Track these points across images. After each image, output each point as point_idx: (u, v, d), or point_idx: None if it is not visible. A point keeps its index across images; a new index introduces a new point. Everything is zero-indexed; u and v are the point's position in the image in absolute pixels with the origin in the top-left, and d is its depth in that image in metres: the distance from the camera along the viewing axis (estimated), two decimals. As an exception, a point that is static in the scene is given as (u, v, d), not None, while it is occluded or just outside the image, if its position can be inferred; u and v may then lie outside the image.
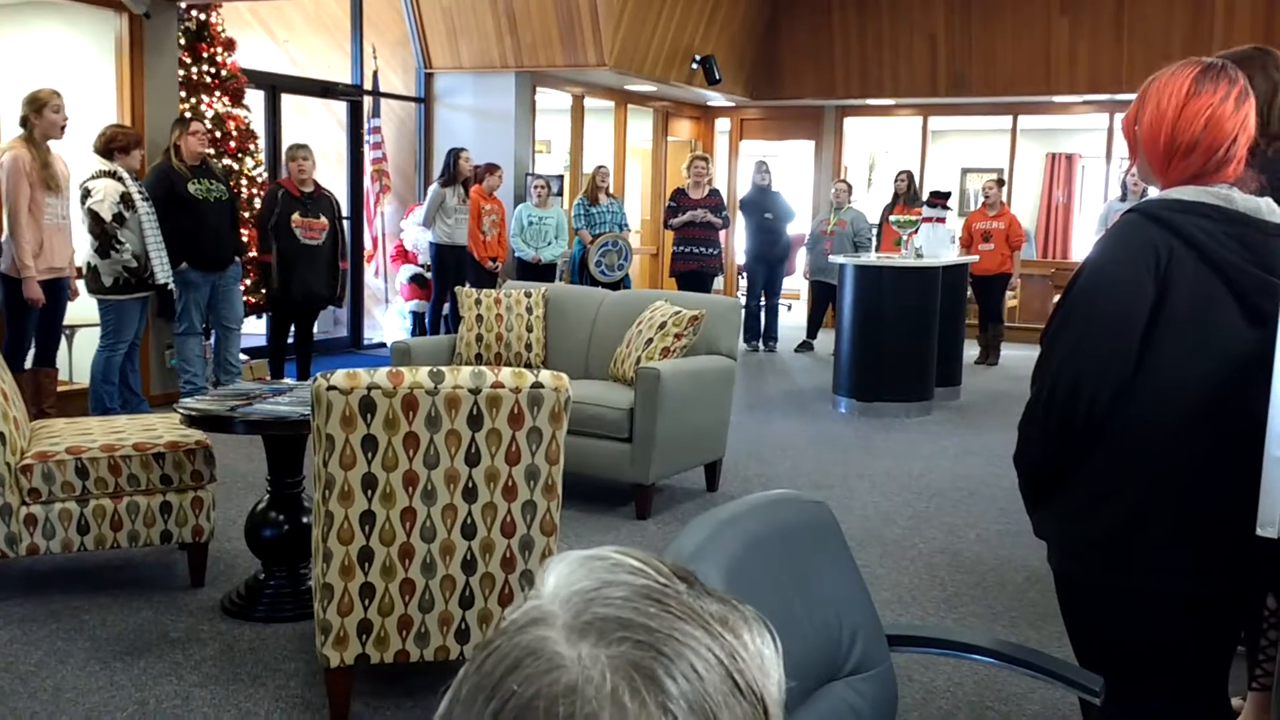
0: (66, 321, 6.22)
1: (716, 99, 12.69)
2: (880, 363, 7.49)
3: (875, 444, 6.70)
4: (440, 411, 2.82)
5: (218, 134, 7.45)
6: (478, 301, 5.74)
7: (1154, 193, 1.94)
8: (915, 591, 4.16)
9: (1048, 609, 3.71)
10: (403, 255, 9.80)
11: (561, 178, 10.99)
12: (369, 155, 9.80)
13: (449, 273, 8.79)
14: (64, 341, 6.39)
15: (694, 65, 11.13)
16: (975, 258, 9.26)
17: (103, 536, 3.82)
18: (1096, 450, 1.88)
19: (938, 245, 8.20)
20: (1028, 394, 1.96)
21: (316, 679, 3.21)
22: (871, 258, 8.29)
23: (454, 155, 8.87)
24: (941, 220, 8.45)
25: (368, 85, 9.86)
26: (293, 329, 7.41)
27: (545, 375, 2.93)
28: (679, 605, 0.60)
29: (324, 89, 9.62)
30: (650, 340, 5.15)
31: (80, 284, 6.13)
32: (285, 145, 8.09)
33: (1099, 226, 9.31)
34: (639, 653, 0.57)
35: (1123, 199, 9.18)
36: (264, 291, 7.27)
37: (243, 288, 7.16)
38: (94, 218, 5.98)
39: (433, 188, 8.92)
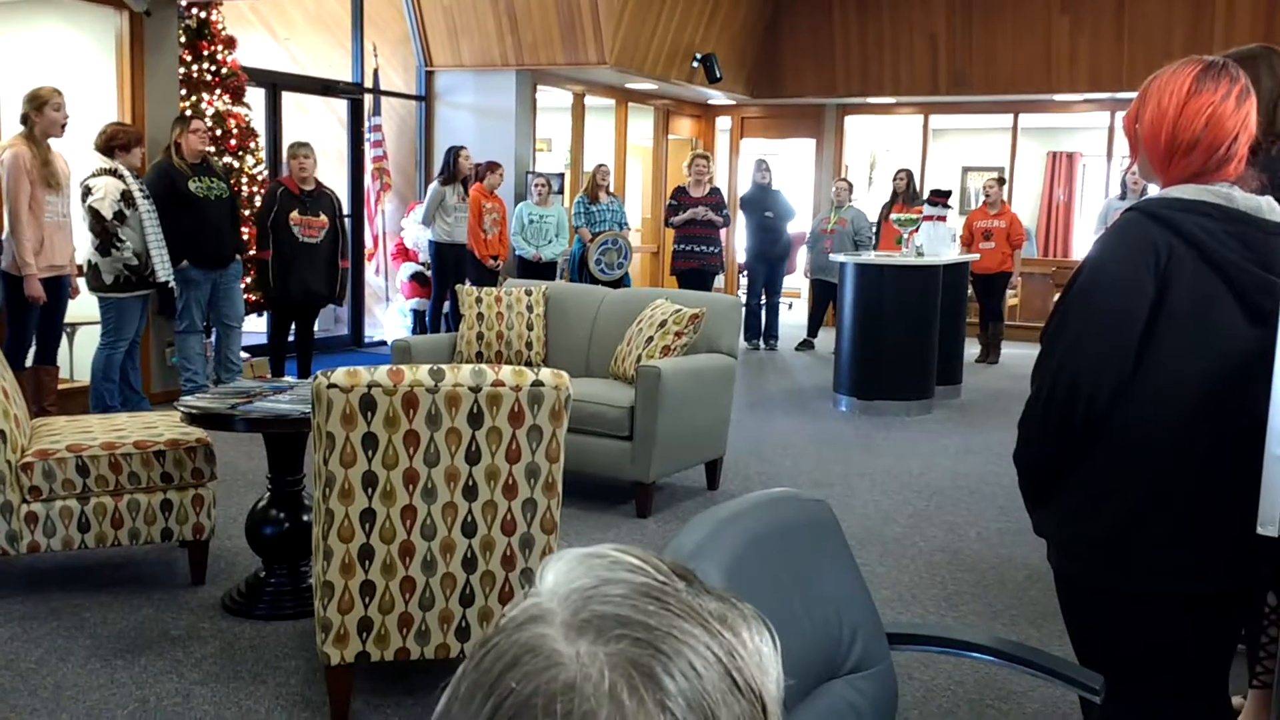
0: (67, 319, 6.22)
1: (717, 97, 12.68)
2: (881, 361, 7.50)
3: (876, 442, 6.70)
4: (440, 409, 2.82)
5: (218, 132, 7.45)
6: (478, 300, 5.74)
7: (1154, 191, 1.94)
8: (915, 590, 4.16)
9: (1048, 607, 3.72)
10: (403, 253, 9.80)
11: (562, 176, 10.98)
12: (369, 153, 9.80)
13: (449, 271, 8.78)
14: (65, 339, 6.39)
15: (695, 63, 11.13)
16: (976, 256, 9.26)
17: (103, 534, 3.82)
18: (1096, 450, 1.87)
19: (938, 244, 8.20)
20: (1028, 392, 1.95)
21: (317, 677, 3.22)
22: (872, 256, 8.29)
23: (453, 153, 8.87)
24: (942, 219, 8.45)
25: (368, 83, 9.85)
26: (293, 327, 7.41)
27: (545, 373, 2.93)
28: (678, 603, 0.60)
29: (325, 87, 9.62)
30: (651, 338, 5.15)
31: (81, 282, 6.14)
32: (286, 143, 8.09)
33: (1098, 224, 9.31)
34: (637, 650, 0.57)
35: (1122, 197, 9.17)
36: (263, 289, 7.27)
37: (243, 286, 7.16)
38: (95, 216, 5.98)
39: (432, 186, 8.92)
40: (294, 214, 6.98)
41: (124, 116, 6.89)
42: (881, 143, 15.00)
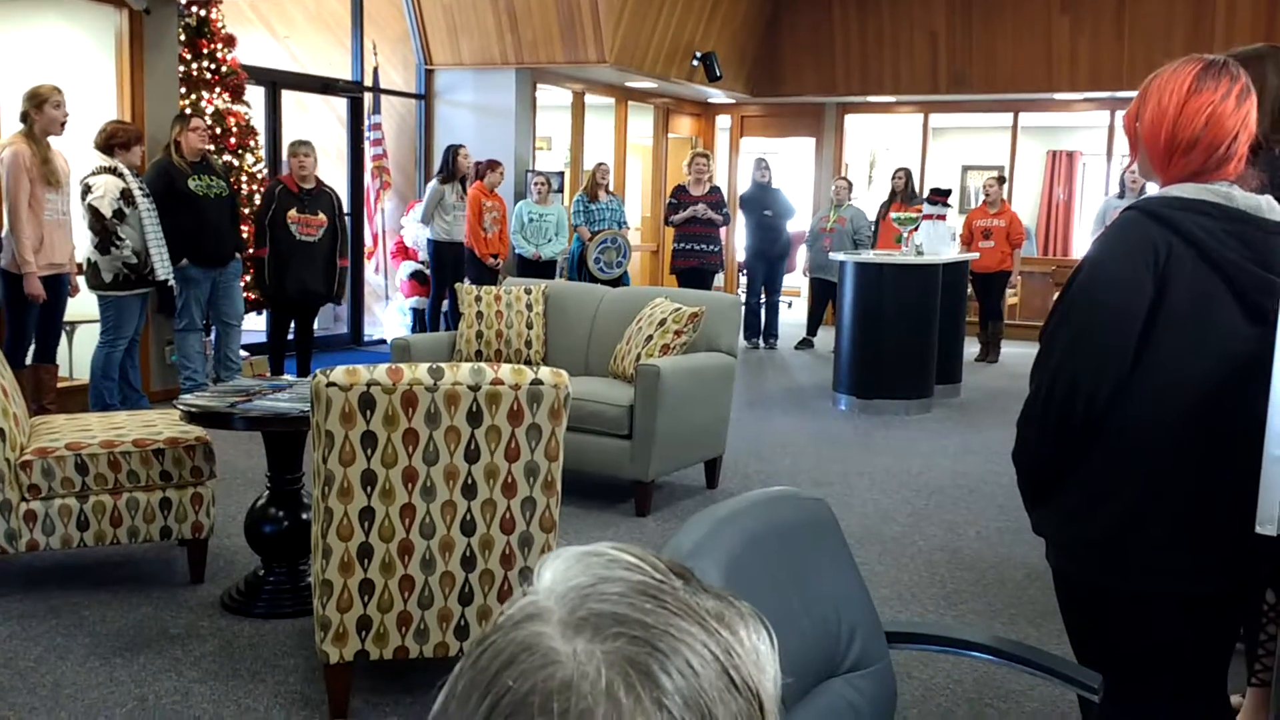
0: (67, 318, 6.21)
1: (717, 96, 12.68)
2: (880, 360, 7.49)
3: (875, 441, 6.70)
4: (440, 408, 2.82)
5: (218, 130, 7.44)
6: (478, 298, 5.74)
7: (1153, 189, 1.94)
8: (914, 589, 4.16)
9: (1047, 606, 3.72)
10: (403, 252, 9.80)
11: (562, 174, 10.99)
12: (369, 152, 9.80)
13: (447, 270, 8.78)
14: (64, 337, 6.39)
15: (695, 62, 11.13)
16: (975, 255, 9.27)
17: (102, 532, 3.82)
18: (1094, 450, 1.87)
19: (938, 242, 8.21)
20: (1027, 391, 1.95)
21: (316, 675, 3.22)
22: (871, 255, 8.29)
23: (452, 152, 8.87)
24: (942, 218, 8.45)
25: (368, 81, 9.85)
26: (293, 326, 7.41)
27: (545, 372, 2.93)
28: (675, 601, 0.60)
29: (324, 85, 9.62)
30: (650, 337, 5.15)
31: (81, 280, 6.13)
32: (286, 141, 8.09)
33: (1095, 223, 9.31)
34: (634, 648, 0.57)
35: (1120, 196, 9.17)
36: (260, 287, 7.27)
37: (242, 284, 7.15)
38: (94, 214, 5.98)
39: (431, 184, 8.92)
40: (292, 212, 6.97)
41: (124, 114, 6.88)
42: (881, 141, 15.00)
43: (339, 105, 9.97)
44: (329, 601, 2.89)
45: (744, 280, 11.68)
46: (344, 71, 9.86)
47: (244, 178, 7.65)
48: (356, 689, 3.09)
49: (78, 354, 6.75)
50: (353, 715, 3.03)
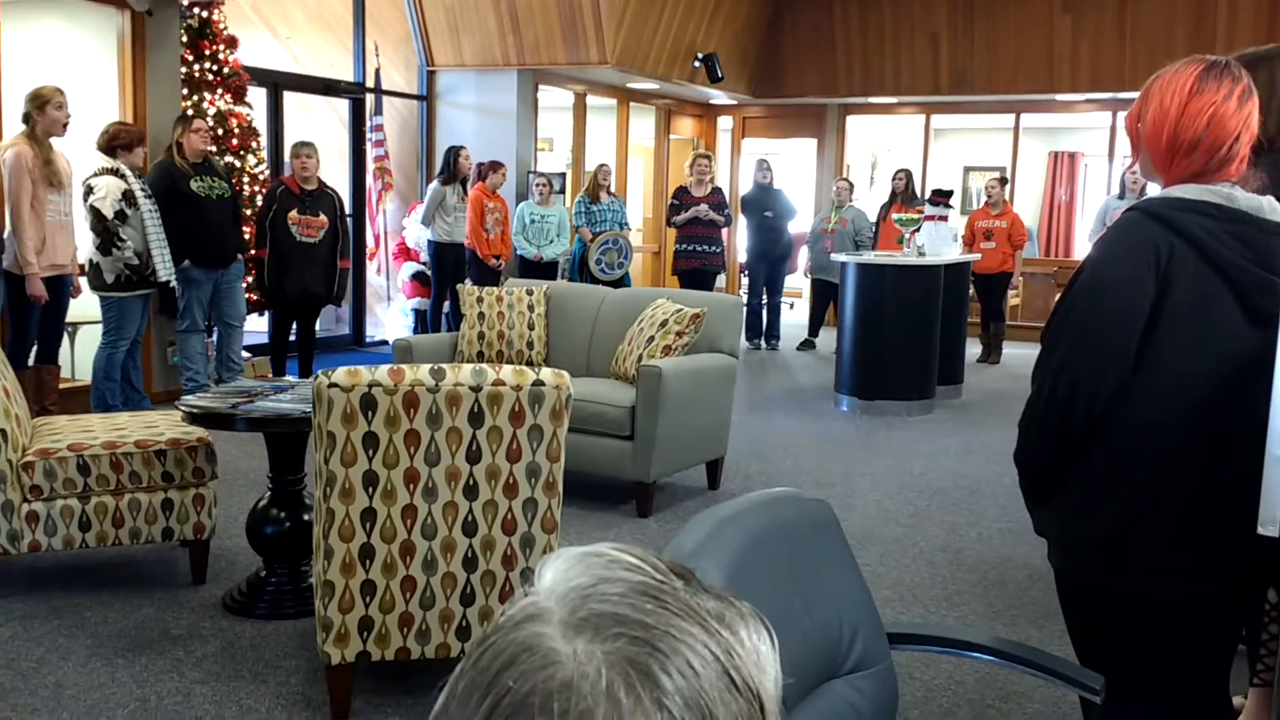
0: (69, 319, 6.22)
1: (719, 97, 12.68)
2: (882, 361, 7.49)
3: (877, 442, 6.70)
4: (441, 409, 2.82)
5: (220, 131, 7.45)
6: (479, 299, 5.74)
7: (1154, 190, 1.93)
8: (916, 589, 4.16)
9: (1049, 607, 3.71)
10: (405, 253, 9.80)
11: (564, 176, 10.98)
12: (371, 153, 9.81)
13: (448, 271, 8.79)
14: (66, 339, 6.39)
15: (696, 63, 11.13)
16: (977, 256, 9.26)
17: (104, 533, 3.83)
18: (1095, 451, 1.87)
19: (940, 243, 8.20)
20: (1029, 392, 1.95)
21: (317, 676, 3.22)
22: (873, 256, 8.29)
23: (453, 153, 8.87)
24: (944, 218, 8.45)
25: (370, 83, 9.86)
26: (294, 327, 7.41)
27: (546, 373, 2.93)
28: (675, 602, 0.60)
29: (326, 86, 9.62)
30: (652, 338, 5.15)
31: (83, 281, 6.14)
32: (288, 143, 8.09)
33: (1095, 224, 9.30)
34: (635, 649, 0.57)
35: (1120, 196, 9.17)
36: (259, 288, 7.27)
37: (244, 285, 7.16)
38: (96, 215, 5.99)
39: (432, 185, 8.92)
40: (292, 213, 6.98)
41: (126, 116, 6.89)
42: (883, 142, 14.99)
43: (341, 106, 9.98)
44: (330, 602, 2.89)
45: (745, 281, 11.68)
46: (346, 73, 9.86)
47: (246, 179, 7.66)
48: (358, 690, 3.09)
49: (80, 355, 6.76)
50: (354, 716, 3.03)
